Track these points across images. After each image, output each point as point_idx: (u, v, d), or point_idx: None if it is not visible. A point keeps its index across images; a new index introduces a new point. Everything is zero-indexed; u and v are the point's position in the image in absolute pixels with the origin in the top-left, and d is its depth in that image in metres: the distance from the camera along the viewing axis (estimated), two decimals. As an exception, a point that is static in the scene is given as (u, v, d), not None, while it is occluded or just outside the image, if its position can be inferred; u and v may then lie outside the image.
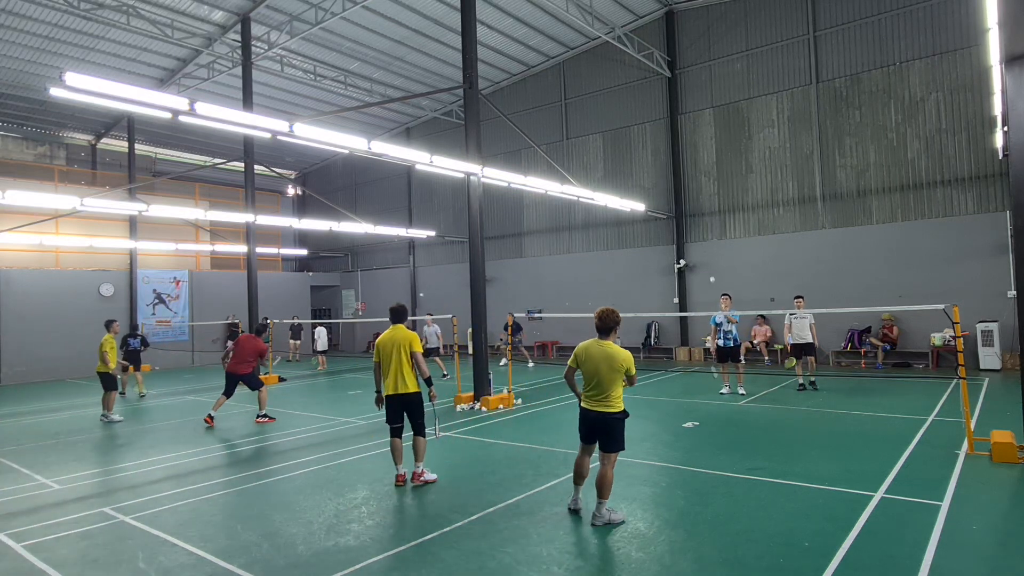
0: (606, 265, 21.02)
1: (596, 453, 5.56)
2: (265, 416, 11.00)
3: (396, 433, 6.73)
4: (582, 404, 5.54)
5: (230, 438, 9.71)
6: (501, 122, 21.57)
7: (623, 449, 5.47)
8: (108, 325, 12.38)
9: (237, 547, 5.10)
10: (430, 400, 6.64)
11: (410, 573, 4.51)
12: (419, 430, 6.71)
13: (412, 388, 6.58)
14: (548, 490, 6.32)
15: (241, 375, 10.86)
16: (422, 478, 6.60)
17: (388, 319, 6.96)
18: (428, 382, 6.56)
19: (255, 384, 11.13)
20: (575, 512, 5.61)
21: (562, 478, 6.59)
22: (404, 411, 6.66)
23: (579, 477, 5.68)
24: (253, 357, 10.96)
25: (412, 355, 6.58)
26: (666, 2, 19.21)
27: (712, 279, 18.72)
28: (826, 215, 16.98)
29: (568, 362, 5.68)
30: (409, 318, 7.09)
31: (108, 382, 11.74)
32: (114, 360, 11.85)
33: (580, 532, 5.22)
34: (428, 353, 16.50)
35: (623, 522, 5.32)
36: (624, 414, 5.44)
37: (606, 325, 5.45)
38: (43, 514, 6.16)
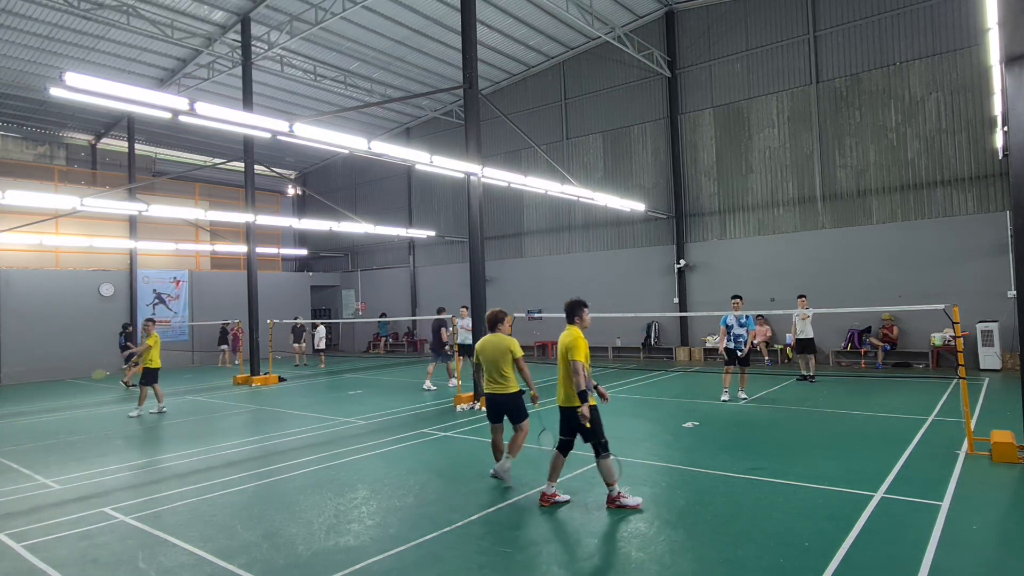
0: (606, 265, 21.01)
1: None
2: None
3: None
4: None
5: (230, 438, 9.71)
6: (501, 122, 21.57)
7: None
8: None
9: (237, 547, 5.10)
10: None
11: (410, 573, 4.51)
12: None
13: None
14: (548, 490, 6.32)
15: None
16: (553, 499, 6.00)
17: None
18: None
19: None
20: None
21: (562, 478, 6.56)
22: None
23: None
24: None
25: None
26: (666, 2, 19.20)
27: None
28: (826, 215, 16.97)
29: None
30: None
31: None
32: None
33: (580, 532, 5.22)
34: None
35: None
36: None
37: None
38: (43, 514, 6.16)
